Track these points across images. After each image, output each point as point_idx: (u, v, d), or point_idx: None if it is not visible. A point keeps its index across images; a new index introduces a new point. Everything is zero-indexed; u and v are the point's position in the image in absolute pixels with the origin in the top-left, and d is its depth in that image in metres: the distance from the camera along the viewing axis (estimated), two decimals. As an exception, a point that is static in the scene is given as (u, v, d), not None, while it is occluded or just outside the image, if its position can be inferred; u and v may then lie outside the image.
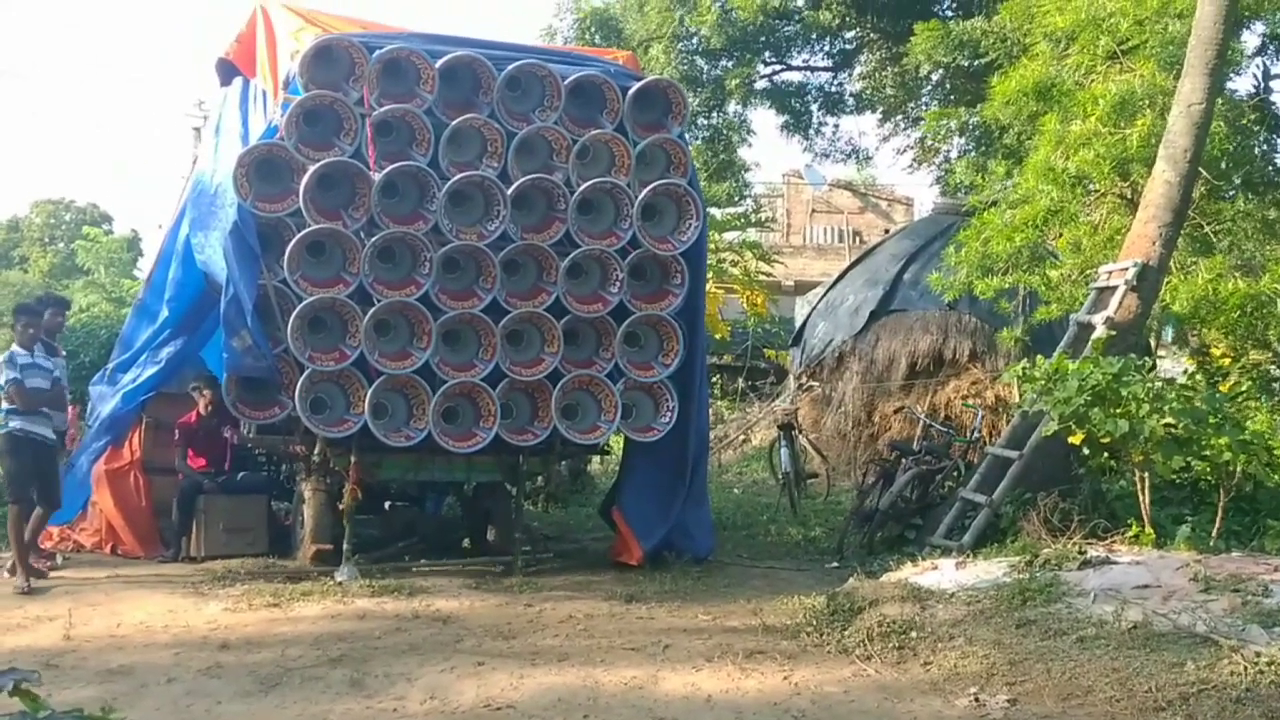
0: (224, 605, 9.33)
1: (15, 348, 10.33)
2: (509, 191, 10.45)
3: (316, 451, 10.59)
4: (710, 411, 16.30)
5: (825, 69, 27.06)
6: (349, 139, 10.29)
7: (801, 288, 30.91)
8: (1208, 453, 9.82)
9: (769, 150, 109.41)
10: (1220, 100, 12.73)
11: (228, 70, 11.88)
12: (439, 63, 10.45)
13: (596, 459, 16.49)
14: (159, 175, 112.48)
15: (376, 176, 10.17)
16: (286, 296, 10.07)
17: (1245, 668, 6.63)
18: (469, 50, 10.65)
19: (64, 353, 11.56)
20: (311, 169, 9.99)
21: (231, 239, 10.01)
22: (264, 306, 10.07)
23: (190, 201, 11.51)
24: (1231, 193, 14.22)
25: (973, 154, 22.15)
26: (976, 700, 6.78)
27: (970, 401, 16.30)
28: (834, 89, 27.27)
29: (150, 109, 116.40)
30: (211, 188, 10.91)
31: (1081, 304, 12.37)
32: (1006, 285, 14.35)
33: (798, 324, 22.07)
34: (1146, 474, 10.00)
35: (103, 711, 3.23)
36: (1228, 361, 13.00)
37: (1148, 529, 9.76)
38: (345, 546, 10.53)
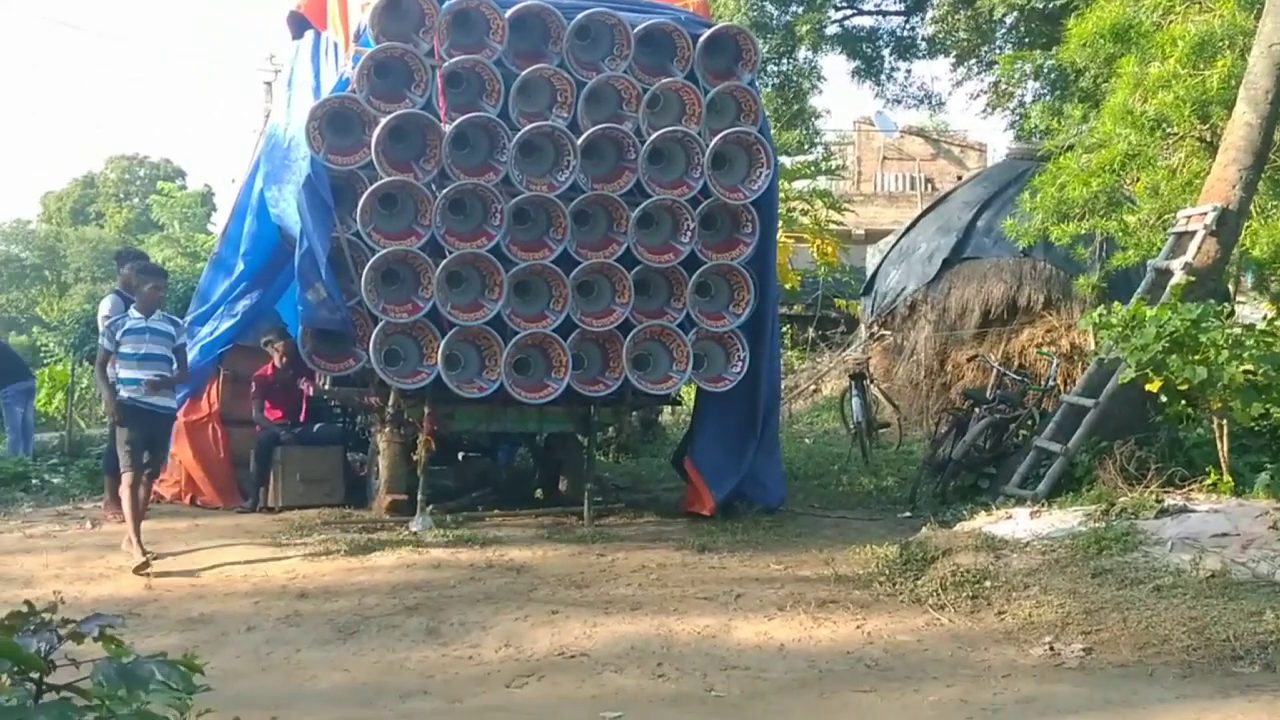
0: (302, 555, 9.46)
1: (132, 310, 9.65)
2: (579, 141, 10.43)
3: (391, 403, 10.68)
4: (781, 361, 16.26)
5: (897, 13, 26.76)
6: (420, 91, 10.31)
7: (872, 236, 30.66)
8: (1287, 399, 9.68)
9: (840, 97, 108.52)
10: (1303, 40, 12.43)
11: (299, 23, 11.92)
12: (508, 13, 10.41)
13: (668, 409, 16.53)
14: (232, 129, 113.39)
15: (447, 128, 10.18)
16: (360, 249, 10.13)
17: (1325, 617, 6.56)
18: (538, 0, 10.61)
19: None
20: (383, 121, 10.03)
21: (305, 192, 10.07)
22: (338, 259, 10.13)
23: (264, 155, 11.59)
24: (1314, 135, 13.92)
25: (1048, 98, 21.86)
26: (1051, 649, 6.76)
27: (1045, 349, 16.14)
28: (906, 33, 26.97)
29: (224, 63, 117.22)
30: (285, 141, 10.98)
31: (1159, 249, 12.19)
32: (1083, 231, 14.15)
33: (869, 273, 21.92)
34: (1225, 421, 9.88)
35: (186, 658, 3.29)
36: (1309, 307, 12.78)
37: (1226, 477, 9.64)
38: (419, 497, 10.63)
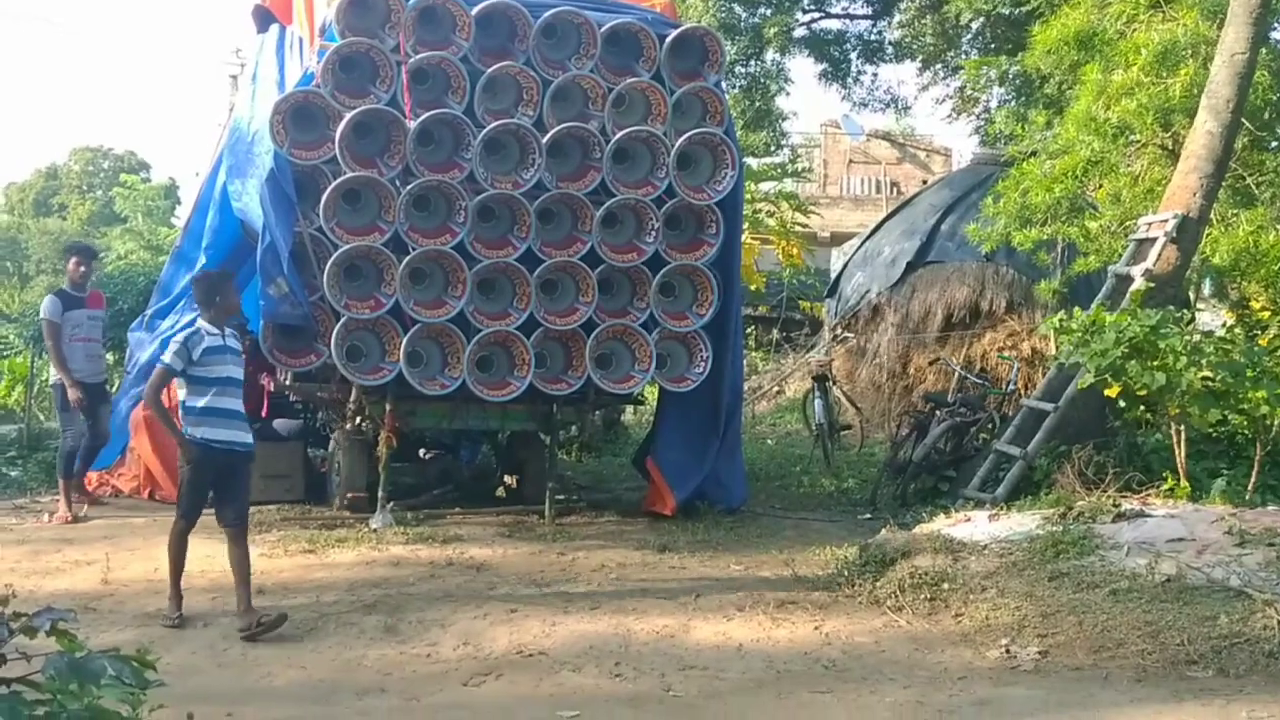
0: (260, 551, 9.38)
1: (201, 322, 7.85)
2: (544, 140, 10.42)
3: (352, 399, 10.64)
4: (745, 362, 16.27)
5: (865, 16, 26.80)
6: (385, 86, 10.27)
7: (838, 239, 30.72)
8: (1245, 406, 9.75)
9: (807, 99, 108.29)
10: (1264, 50, 12.54)
11: (264, 17, 11.86)
12: (475, 10, 10.40)
13: (630, 409, 16.53)
14: (197, 122, 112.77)
15: (412, 124, 10.16)
16: (322, 244, 10.09)
17: (1278, 622, 6.62)
18: (504, -2, 10.60)
19: (105, 300, 11.61)
20: (347, 116, 9.99)
21: (268, 186, 10.03)
22: (300, 254, 10.10)
23: (227, 149, 11.52)
24: (1274, 144, 14.04)
25: (1013, 104, 21.94)
26: (1008, 652, 6.80)
27: (1006, 354, 16.21)
28: (873, 37, 26.99)
29: (189, 56, 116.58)
30: (248, 135, 10.92)
31: (1120, 256, 12.27)
32: (1045, 237, 14.22)
33: (833, 275, 21.97)
34: (1183, 427, 9.95)
35: (139, 653, 3.27)
36: (1267, 315, 12.84)
37: (1183, 482, 9.71)
38: (380, 494, 10.59)
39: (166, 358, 7.59)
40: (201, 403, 7.55)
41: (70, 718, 3.01)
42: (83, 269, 11.30)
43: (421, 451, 12.89)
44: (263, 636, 7.09)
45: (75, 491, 11.05)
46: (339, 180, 10.00)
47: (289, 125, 10.08)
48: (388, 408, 10.53)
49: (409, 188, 10.19)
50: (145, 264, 22.53)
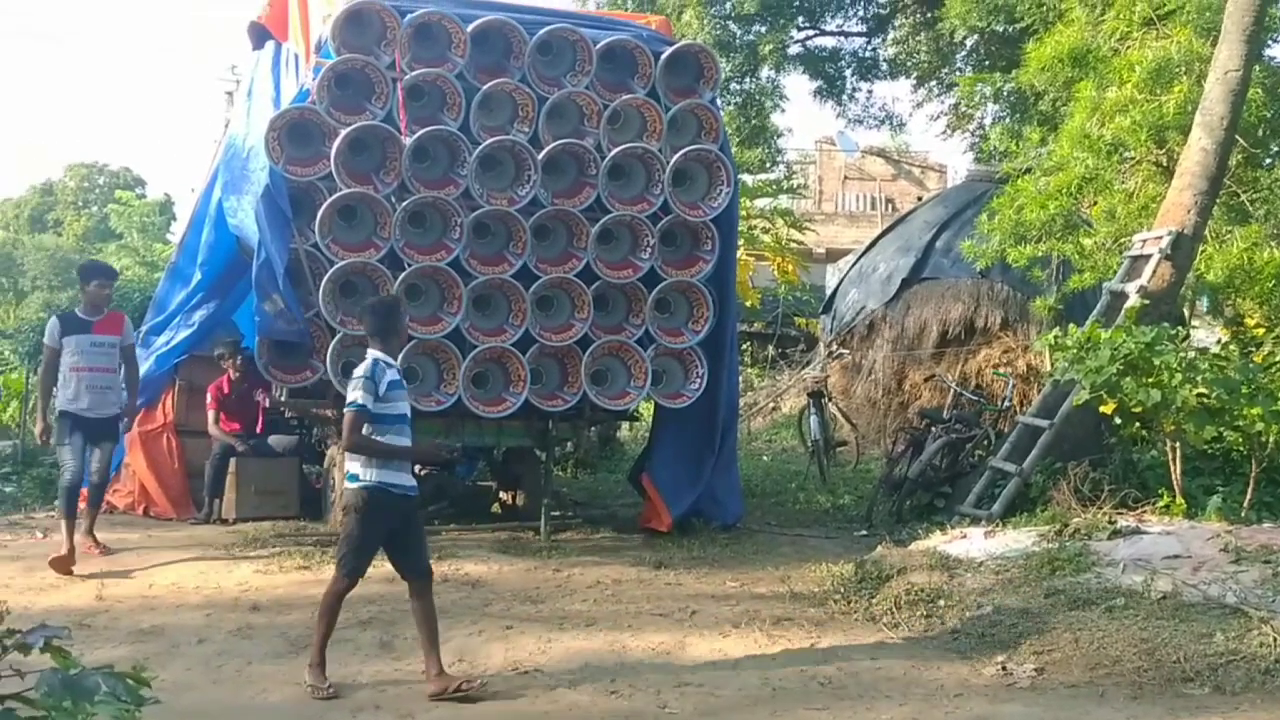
0: (255, 567, 9.40)
1: (377, 353, 6.96)
2: (540, 156, 10.43)
3: (347, 415, 10.60)
4: (740, 379, 16.29)
5: (859, 34, 26.85)
6: (380, 103, 10.28)
7: (833, 255, 30.75)
8: (1240, 423, 9.77)
9: (802, 116, 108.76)
10: (1258, 67, 12.57)
11: (260, 34, 11.87)
12: (470, 27, 10.41)
13: (626, 425, 16.52)
14: (193, 138, 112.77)
15: (407, 141, 10.16)
16: (318, 260, 10.08)
17: (1275, 639, 6.64)
18: (500, 14, 10.60)
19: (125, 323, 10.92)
20: (343, 133, 9.99)
21: (263, 203, 10.02)
22: (296, 270, 10.08)
23: (222, 165, 11.53)
24: (1269, 161, 14.06)
25: (1007, 120, 21.95)
26: (1004, 669, 6.80)
27: (1001, 370, 16.21)
28: (868, 54, 27.04)
29: (185, 72, 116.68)
30: (243, 151, 10.93)
31: (1115, 272, 12.28)
32: (1039, 253, 14.21)
33: (829, 292, 21.98)
34: (1178, 444, 9.95)
35: (134, 670, 3.26)
36: (1262, 331, 12.86)
37: (1179, 499, 9.72)
38: (375, 510, 10.54)
39: (358, 399, 6.64)
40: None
41: (64, 735, 3.00)
42: (105, 292, 10.14)
43: (417, 467, 12.85)
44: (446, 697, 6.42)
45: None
46: (334, 197, 10.00)
47: (284, 142, 10.07)
48: (383, 424, 10.50)
49: (404, 204, 10.19)
50: (140, 280, 22.56)
